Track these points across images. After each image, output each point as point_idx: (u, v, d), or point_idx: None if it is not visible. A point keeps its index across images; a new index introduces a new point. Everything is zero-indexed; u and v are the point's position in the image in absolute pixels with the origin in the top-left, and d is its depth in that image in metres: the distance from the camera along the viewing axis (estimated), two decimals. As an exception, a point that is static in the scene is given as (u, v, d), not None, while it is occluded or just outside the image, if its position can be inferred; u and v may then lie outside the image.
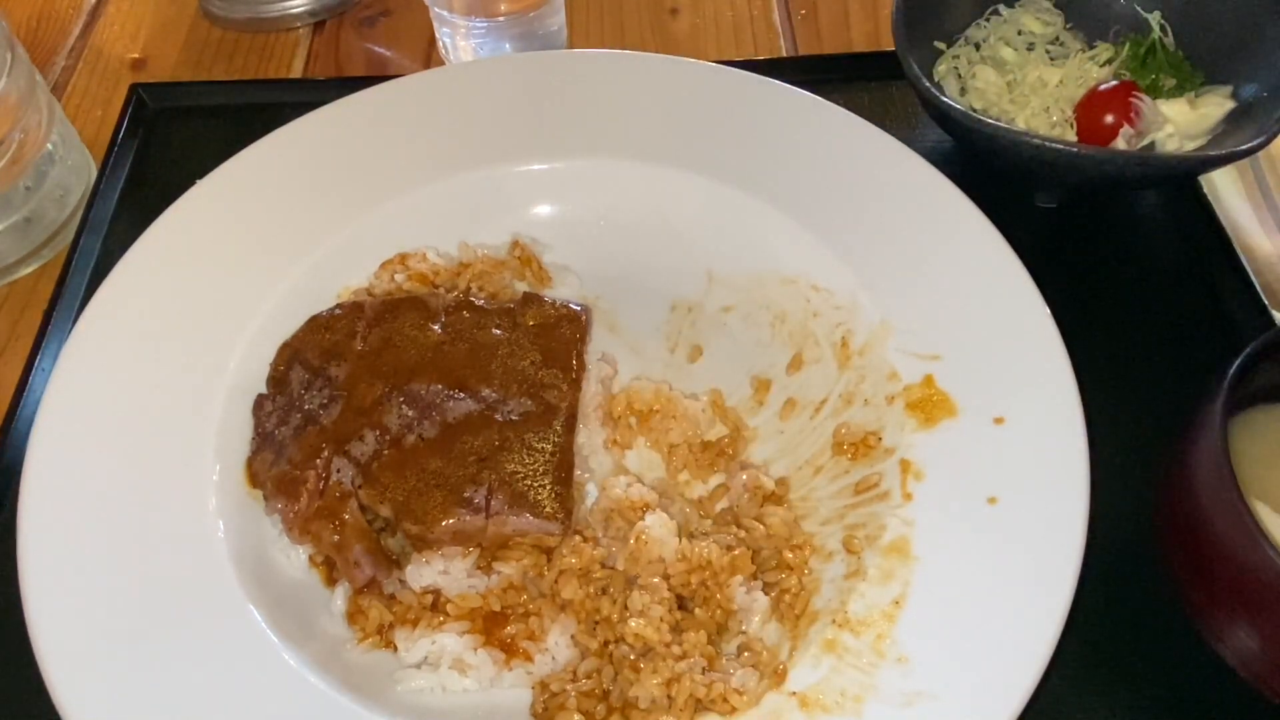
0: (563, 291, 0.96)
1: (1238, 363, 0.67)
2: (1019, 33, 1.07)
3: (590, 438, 0.84)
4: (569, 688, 0.73)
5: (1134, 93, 0.97)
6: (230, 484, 0.81)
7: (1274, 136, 0.90)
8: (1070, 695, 0.76)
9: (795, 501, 0.83)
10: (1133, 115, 0.96)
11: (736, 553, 0.76)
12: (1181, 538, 0.70)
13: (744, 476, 0.82)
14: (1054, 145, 0.89)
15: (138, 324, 0.86)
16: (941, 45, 1.07)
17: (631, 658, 0.73)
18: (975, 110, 1.01)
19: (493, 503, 0.77)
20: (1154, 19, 1.03)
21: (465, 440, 0.79)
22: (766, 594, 0.76)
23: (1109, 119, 0.97)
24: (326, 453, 0.79)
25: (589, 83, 1.02)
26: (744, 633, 0.75)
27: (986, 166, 1.00)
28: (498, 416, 0.81)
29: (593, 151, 0.99)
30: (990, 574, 0.71)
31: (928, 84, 0.96)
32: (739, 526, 0.80)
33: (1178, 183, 1.04)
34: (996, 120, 0.99)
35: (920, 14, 1.02)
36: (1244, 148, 0.89)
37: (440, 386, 0.82)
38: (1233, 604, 0.67)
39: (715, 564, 0.75)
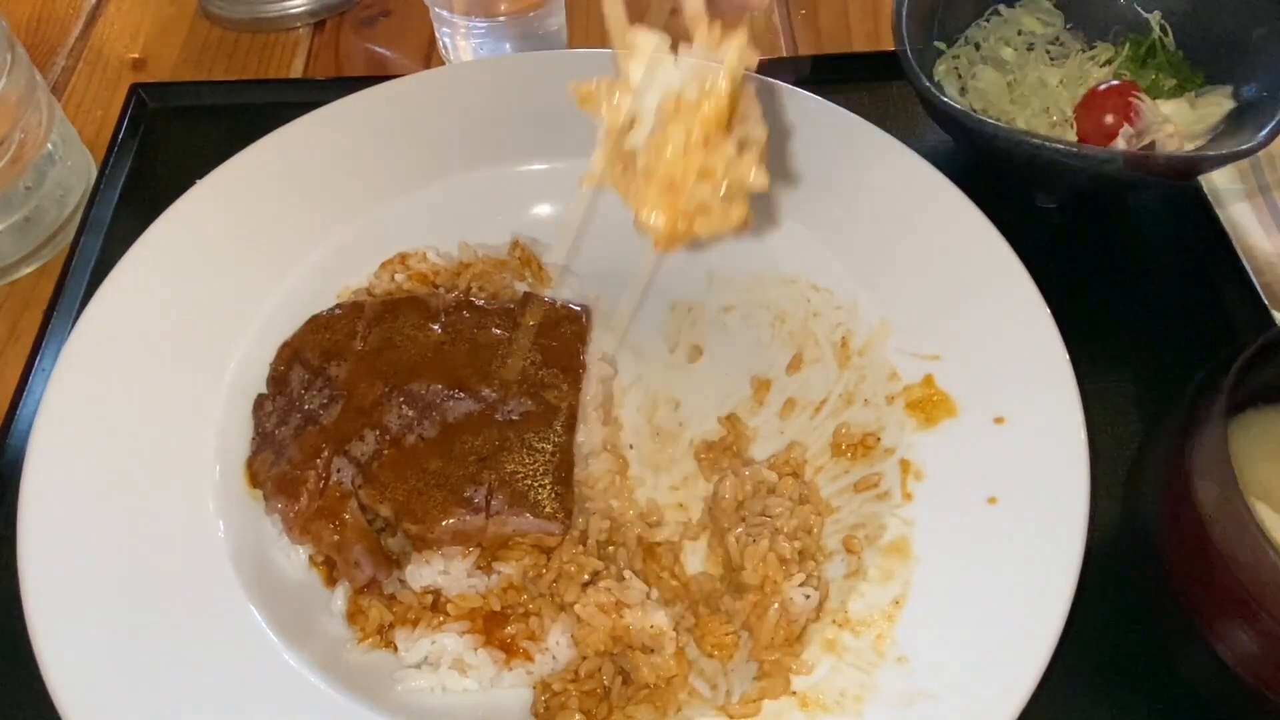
0: (563, 291, 0.96)
1: (1238, 363, 0.67)
2: (1019, 33, 1.07)
3: (590, 437, 0.84)
4: (570, 687, 0.73)
5: (1134, 93, 0.97)
6: (230, 484, 0.81)
7: (1274, 136, 0.90)
8: (1070, 695, 0.76)
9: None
10: (1133, 115, 0.96)
11: (799, 545, 0.76)
12: (1181, 537, 0.70)
13: (747, 472, 0.82)
14: (1054, 145, 0.89)
15: (138, 324, 0.86)
16: (942, 45, 1.07)
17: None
18: (975, 110, 1.01)
19: (493, 502, 0.77)
20: (1154, 19, 1.03)
21: (465, 440, 0.79)
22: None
23: (1109, 119, 0.97)
24: (326, 453, 0.79)
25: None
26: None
27: (986, 166, 1.00)
28: (498, 416, 0.81)
29: (593, 151, 0.98)
30: (990, 574, 0.71)
31: (928, 84, 0.95)
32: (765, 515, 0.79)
33: (1178, 183, 1.04)
34: (996, 120, 0.99)
35: (920, 14, 1.02)
36: (1244, 148, 0.89)
37: (440, 386, 0.81)
38: (1233, 604, 0.67)
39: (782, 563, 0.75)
